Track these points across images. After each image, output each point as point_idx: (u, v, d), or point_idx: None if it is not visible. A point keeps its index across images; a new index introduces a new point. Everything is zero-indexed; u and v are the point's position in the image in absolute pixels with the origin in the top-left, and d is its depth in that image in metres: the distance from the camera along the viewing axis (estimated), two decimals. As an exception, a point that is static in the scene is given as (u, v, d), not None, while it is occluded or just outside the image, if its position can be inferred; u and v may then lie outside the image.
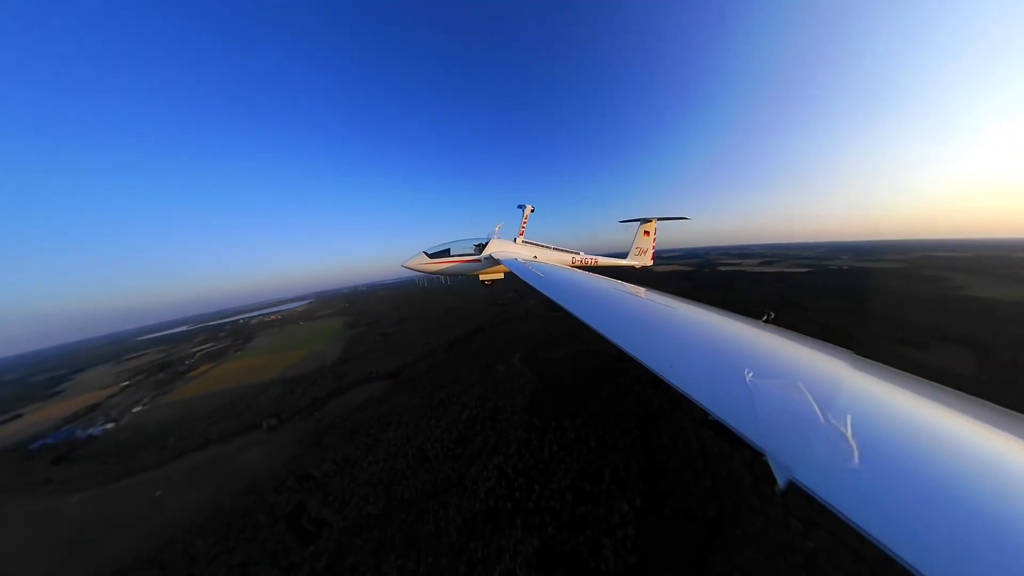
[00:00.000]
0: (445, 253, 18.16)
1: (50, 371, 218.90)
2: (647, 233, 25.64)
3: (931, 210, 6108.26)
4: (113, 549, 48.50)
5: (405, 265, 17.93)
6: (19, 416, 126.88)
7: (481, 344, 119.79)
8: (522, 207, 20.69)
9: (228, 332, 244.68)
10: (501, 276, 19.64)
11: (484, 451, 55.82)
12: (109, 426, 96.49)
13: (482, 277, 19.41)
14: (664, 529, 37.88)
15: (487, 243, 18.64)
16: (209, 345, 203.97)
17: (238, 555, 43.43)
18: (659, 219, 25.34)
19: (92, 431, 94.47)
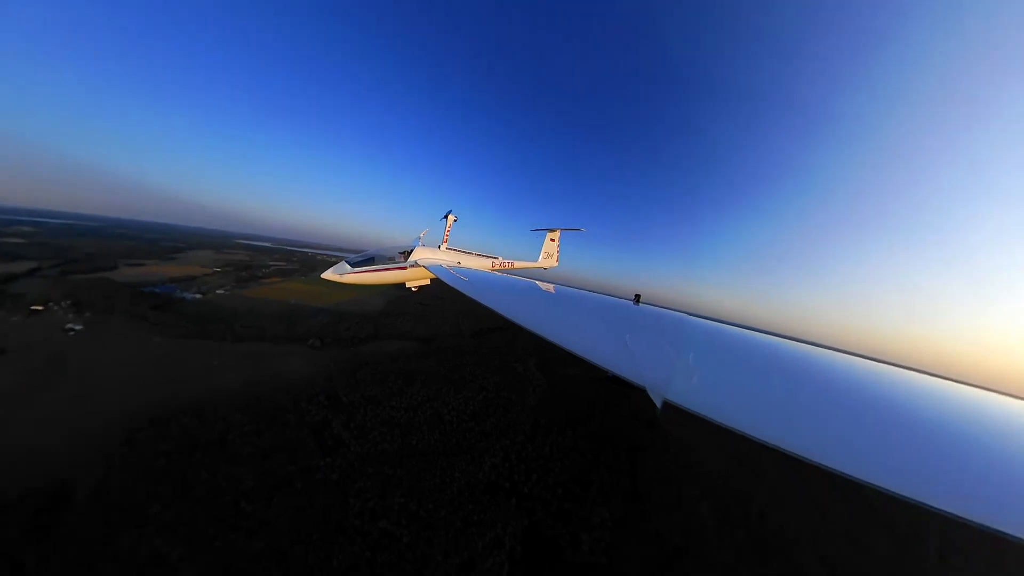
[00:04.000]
0: (369, 261, 15.83)
1: (172, 241, 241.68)
2: (553, 240, 26.94)
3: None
4: (171, 387, 50.40)
5: (326, 277, 15.23)
6: (143, 264, 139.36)
7: (504, 340, 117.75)
8: (446, 215, 19.54)
9: (298, 259, 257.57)
10: (427, 282, 17.98)
11: (494, 432, 53.93)
12: (198, 296, 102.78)
13: (409, 284, 17.62)
14: (634, 543, 38.10)
15: (412, 250, 16.94)
16: (282, 263, 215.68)
17: (265, 440, 43.29)
18: (561, 229, 26.77)
19: (186, 295, 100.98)
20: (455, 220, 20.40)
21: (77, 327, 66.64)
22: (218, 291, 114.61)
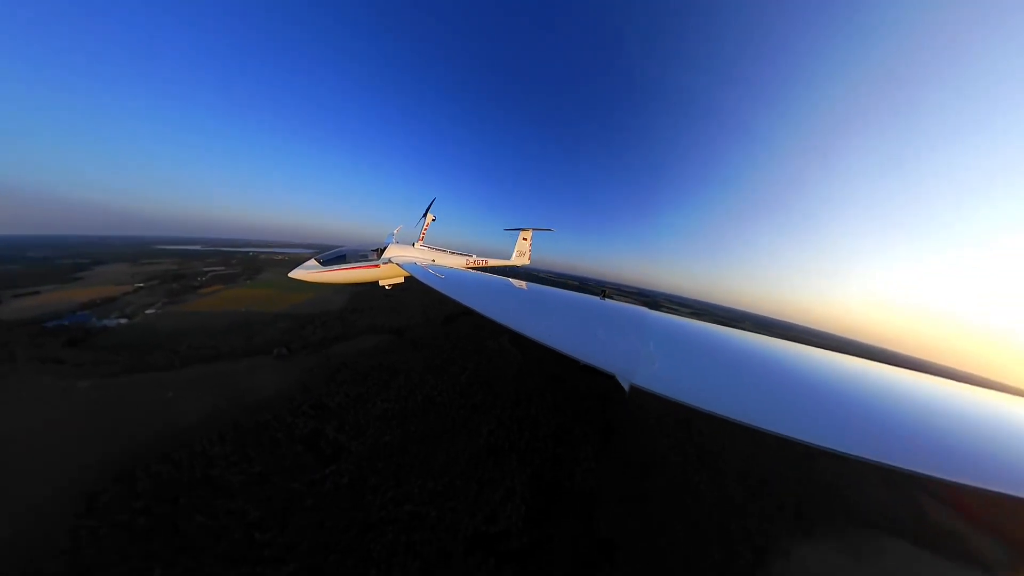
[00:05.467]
0: (340, 259, 14.44)
1: (72, 257, 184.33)
2: (525, 239, 27.19)
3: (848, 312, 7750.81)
4: (123, 440, 41.04)
5: (294, 276, 13.72)
6: (37, 293, 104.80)
7: (474, 323, 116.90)
8: (424, 215, 18.84)
9: (239, 260, 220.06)
10: (401, 280, 16.86)
11: (484, 405, 55.38)
12: (123, 321, 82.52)
13: (382, 282, 16.42)
14: (614, 467, 44.73)
15: (385, 248, 15.89)
16: (220, 268, 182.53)
17: (257, 465, 38.58)
18: (533, 229, 27.16)
19: (106, 322, 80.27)
20: (433, 219, 18.85)
21: (-37, 387, 50.23)
22: (148, 311, 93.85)
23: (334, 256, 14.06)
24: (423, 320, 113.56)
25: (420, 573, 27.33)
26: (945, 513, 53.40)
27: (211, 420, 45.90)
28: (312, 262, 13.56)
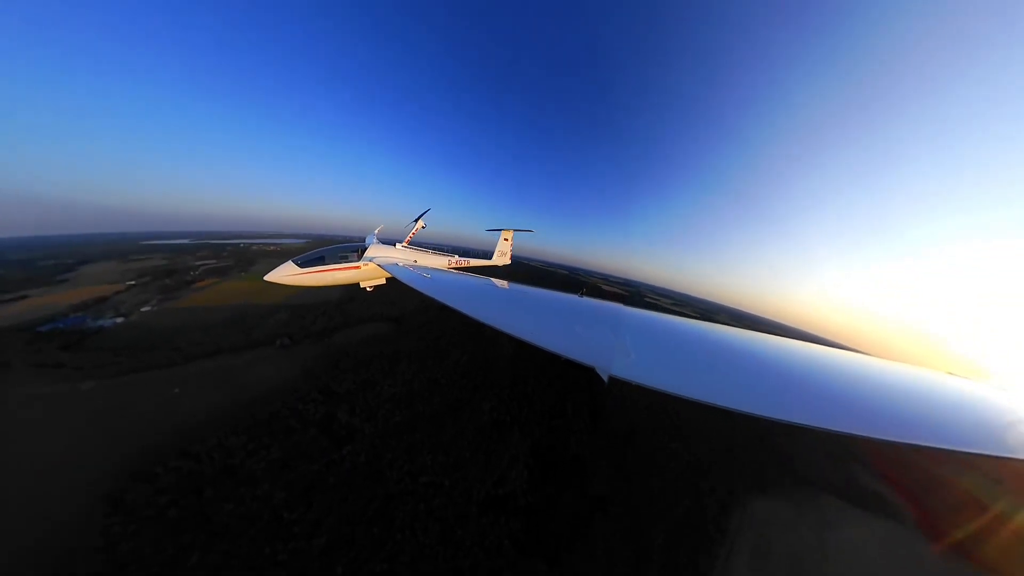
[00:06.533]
0: (319, 261, 13.48)
1: (56, 258, 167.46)
2: (506, 239, 27.00)
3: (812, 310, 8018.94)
4: (136, 439, 39.53)
5: (269, 279, 12.68)
6: (25, 297, 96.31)
7: None
8: (417, 219, 18.38)
9: (230, 253, 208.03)
10: (383, 281, 16.05)
11: (484, 385, 56.69)
12: (119, 320, 77.78)
13: (363, 284, 15.64)
14: (603, 435, 48.53)
15: (366, 248, 15.22)
16: (212, 261, 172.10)
17: (275, 452, 38.57)
18: (514, 230, 26.90)
19: (102, 323, 75.47)
20: (423, 227, 18.23)
21: (-41, 396, 46.90)
22: (143, 309, 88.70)
23: (312, 257, 13.20)
24: (421, 308, 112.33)
25: (441, 535, 28.80)
26: (870, 477, 59.90)
27: (222, 413, 45.04)
28: (289, 264, 12.68)
